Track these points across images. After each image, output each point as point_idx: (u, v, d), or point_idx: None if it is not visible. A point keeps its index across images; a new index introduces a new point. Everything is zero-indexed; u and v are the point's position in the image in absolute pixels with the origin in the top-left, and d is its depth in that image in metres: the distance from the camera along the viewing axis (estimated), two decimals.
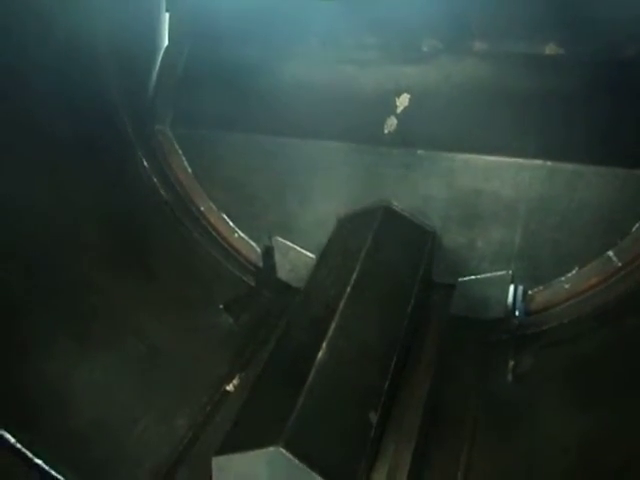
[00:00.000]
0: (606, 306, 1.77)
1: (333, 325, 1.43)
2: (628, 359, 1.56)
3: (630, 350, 1.57)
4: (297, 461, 1.13)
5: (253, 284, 2.17)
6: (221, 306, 2.02)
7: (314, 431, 1.22)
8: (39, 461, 1.30)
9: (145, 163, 2.12)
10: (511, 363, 1.74)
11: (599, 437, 1.39)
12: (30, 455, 1.29)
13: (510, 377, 1.73)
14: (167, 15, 2.12)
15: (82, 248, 1.76)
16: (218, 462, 1.22)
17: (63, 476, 1.32)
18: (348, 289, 1.56)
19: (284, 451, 1.13)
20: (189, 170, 2.17)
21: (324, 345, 1.37)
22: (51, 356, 1.51)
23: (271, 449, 1.14)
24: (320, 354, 1.34)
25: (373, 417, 1.31)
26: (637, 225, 1.73)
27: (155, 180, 2.13)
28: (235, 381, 1.78)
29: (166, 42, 2.16)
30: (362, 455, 1.26)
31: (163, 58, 2.16)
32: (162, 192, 2.14)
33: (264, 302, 2.12)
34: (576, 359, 1.69)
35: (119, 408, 1.56)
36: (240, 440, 1.23)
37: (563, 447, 1.41)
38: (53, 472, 1.31)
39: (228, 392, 1.75)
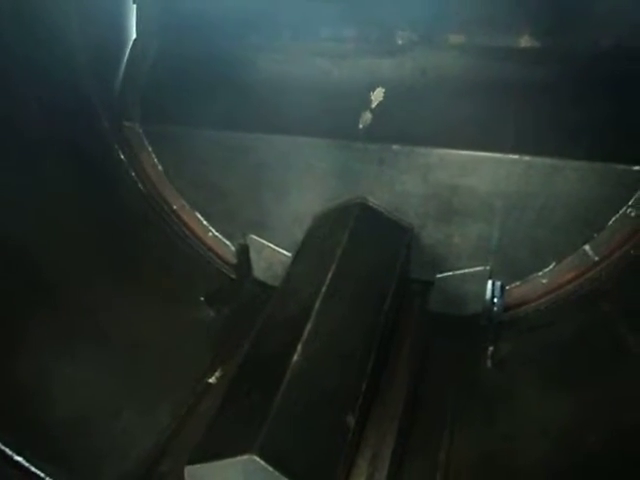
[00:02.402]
0: (582, 294, 1.78)
1: (309, 326, 1.40)
2: (603, 342, 1.58)
3: (605, 334, 1.59)
4: (272, 469, 1.10)
5: (234, 277, 2.15)
6: (202, 299, 2.01)
7: (289, 437, 1.19)
8: (19, 458, 1.27)
9: (122, 157, 2.07)
10: (490, 349, 1.76)
11: (577, 418, 1.41)
12: (9, 452, 1.27)
13: (489, 363, 1.74)
14: (134, 7, 2.06)
15: (64, 243, 1.74)
16: (190, 471, 1.18)
17: (45, 472, 1.29)
18: (324, 288, 1.53)
19: (258, 459, 1.10)
20: (159, 167, 2.12)
21: (299, 347, 1.34)
22: (33, 351, 1.49)
23: (245, 457, 1.11)
24: (295, 357, 1.31)
25: (350, 420, 1.28)
26: (613, 219, 1.73)
27: (133, 174, 2.09)
28: (217, 373, 1.77)
29: (134, 35, 2.10)
30: (339, 460, 1.23)
31: (131, 52, 2.10)
32: (140, 186, 2.10)
33: (245, 294, 2.10)
34: (553, 343, 1.72)
35: (102, 401, 1.55)
36: (213, 448, 1.20)
37: (543, 429, 1.43)
38: (33, 469, 1.28)
39: (210, 384, 1.75)
